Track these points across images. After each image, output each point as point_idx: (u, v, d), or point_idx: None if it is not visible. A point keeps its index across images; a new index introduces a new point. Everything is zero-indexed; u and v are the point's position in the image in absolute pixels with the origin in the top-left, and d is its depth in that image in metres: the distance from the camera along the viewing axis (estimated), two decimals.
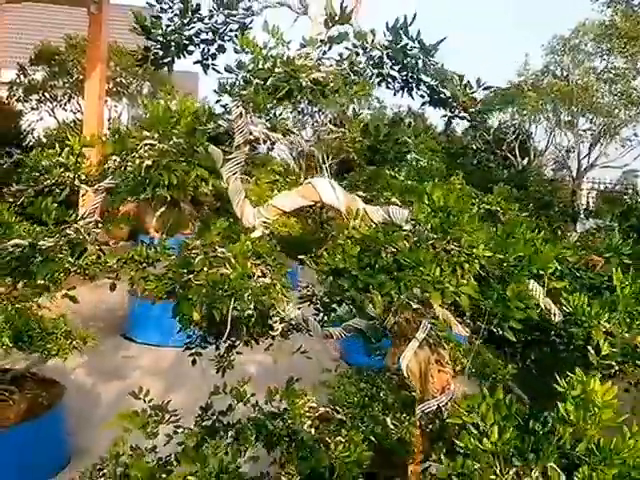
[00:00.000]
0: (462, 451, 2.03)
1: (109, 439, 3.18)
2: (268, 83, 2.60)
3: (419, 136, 7.57)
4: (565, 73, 22.48)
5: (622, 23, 20.41)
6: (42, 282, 2.78)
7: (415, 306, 2.51)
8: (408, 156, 4.58)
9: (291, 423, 2.94)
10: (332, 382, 3.93)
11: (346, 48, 2.87)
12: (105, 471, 3.08)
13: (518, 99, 21.84)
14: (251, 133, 2.88)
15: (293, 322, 2.91)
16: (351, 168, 5.67)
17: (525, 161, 22.86)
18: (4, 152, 14.79)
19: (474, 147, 21.77)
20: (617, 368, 2.20)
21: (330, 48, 2.77)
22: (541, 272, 2.33)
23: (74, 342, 5.72)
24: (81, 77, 18.22)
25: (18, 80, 19.59)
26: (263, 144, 3.05)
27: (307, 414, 3.00)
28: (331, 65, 2.71)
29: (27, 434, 5.68)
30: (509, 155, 22.42)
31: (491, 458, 1.99)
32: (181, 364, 8.78)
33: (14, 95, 19.61)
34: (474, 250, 2.12)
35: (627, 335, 2.23)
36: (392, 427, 3.22)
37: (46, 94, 19.92)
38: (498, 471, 2.01)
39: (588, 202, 22.78)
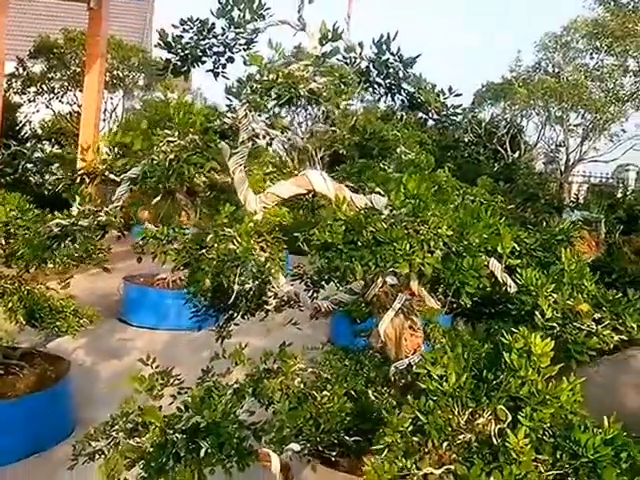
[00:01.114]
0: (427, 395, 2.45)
1: (110, 412, 3.49)
2: (271, 92, 3.03)
3: (408, 130, 7.92)
4: (556, 70, 22.76)
5: (610, 21, 20.71)
6: (78, 257, 3.14)
7: (392, 282, 2.94)
8: (398, 149, 4.95)
9: (284, 379, 3.36)
10: (319, 359, 4.26)
11: (337, 59, 3.32)
12: (116, 427, 3.44)
13: (509, 94, 22.14)
14: (253, 130, 3.30)
15: (285, 298, 3.32)
16: (342, 160, 5.99)
17: (516, 155, 23.12)
18: (2, 144, 15.01)
19: (465, 140, 22.02)
20: (558, 329, 2.62)
21: (324, 62, 3.20)
22: (499, 250, 2.77)
23: (81, 320, 6.07)
24: (79, 70, 18.47)
25: (17, 73, 19.81)
26: (263, 139, 3.46)
27: (297, 372, 3.42)
28: (325, 76, 3.12)
29: (36, 404, 6.02)
30: (500, 149, 22.67)
31: (450, 400, 2.41)
32: (175, 345, 9.19)
33: (11, 87, 19.81)
34: (439, 230, 2.56)
35: (570, 303, 2.66)
36: (374, 399, 3.60)
37: (44, 86, 20.14)
38: (456, 412, 2.42)
39: (577, 195, 23.04)
